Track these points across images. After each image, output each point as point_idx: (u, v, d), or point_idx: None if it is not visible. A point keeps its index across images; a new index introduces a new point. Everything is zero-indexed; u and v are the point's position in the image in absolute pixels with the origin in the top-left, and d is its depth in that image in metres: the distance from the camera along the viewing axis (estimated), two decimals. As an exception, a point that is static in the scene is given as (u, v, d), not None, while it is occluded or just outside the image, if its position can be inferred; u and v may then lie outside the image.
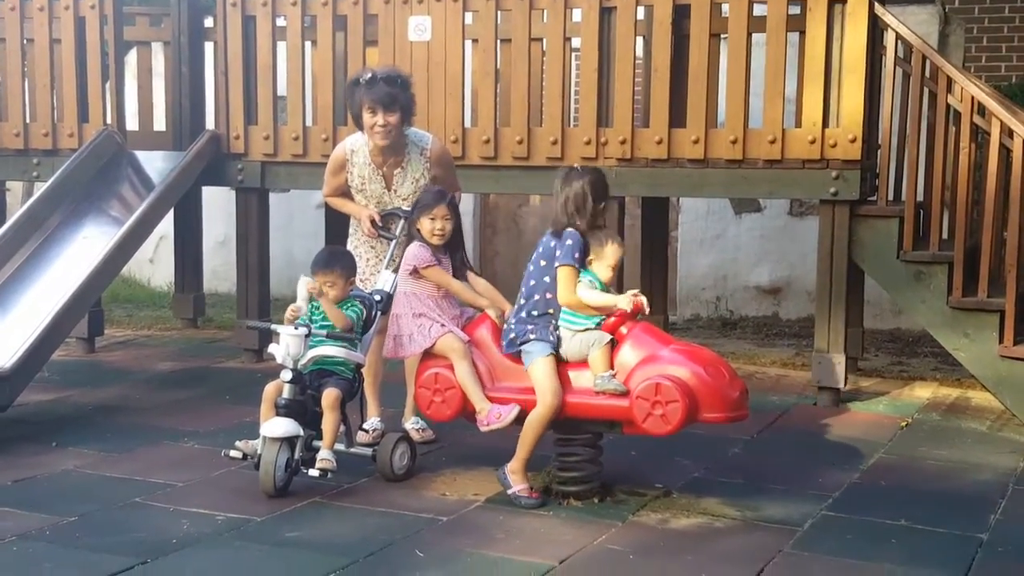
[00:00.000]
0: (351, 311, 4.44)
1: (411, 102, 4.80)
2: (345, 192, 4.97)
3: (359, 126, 4.81)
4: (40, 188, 6.39)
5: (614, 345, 4.13)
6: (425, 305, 4.42)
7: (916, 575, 3.59)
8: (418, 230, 4.51)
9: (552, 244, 4.19)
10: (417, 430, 4.95)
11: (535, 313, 4.19)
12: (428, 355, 4.35)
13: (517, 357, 4.21)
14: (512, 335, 4.21)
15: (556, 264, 4.14)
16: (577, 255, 4.12)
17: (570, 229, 4.16)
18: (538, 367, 4.11)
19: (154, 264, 9.53)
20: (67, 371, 6.35)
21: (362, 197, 4.92)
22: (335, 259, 4.49)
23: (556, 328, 4.18)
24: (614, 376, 4.06)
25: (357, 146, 4.89)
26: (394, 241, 4.80)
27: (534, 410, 4.12)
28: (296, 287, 4.46)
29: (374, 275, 4.85)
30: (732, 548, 3.79)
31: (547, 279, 4.19)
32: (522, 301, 4.24)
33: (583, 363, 4.16)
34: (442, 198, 4.52)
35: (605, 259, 4.16)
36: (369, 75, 4.71)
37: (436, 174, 4.90)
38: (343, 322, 4.36)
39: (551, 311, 4.19)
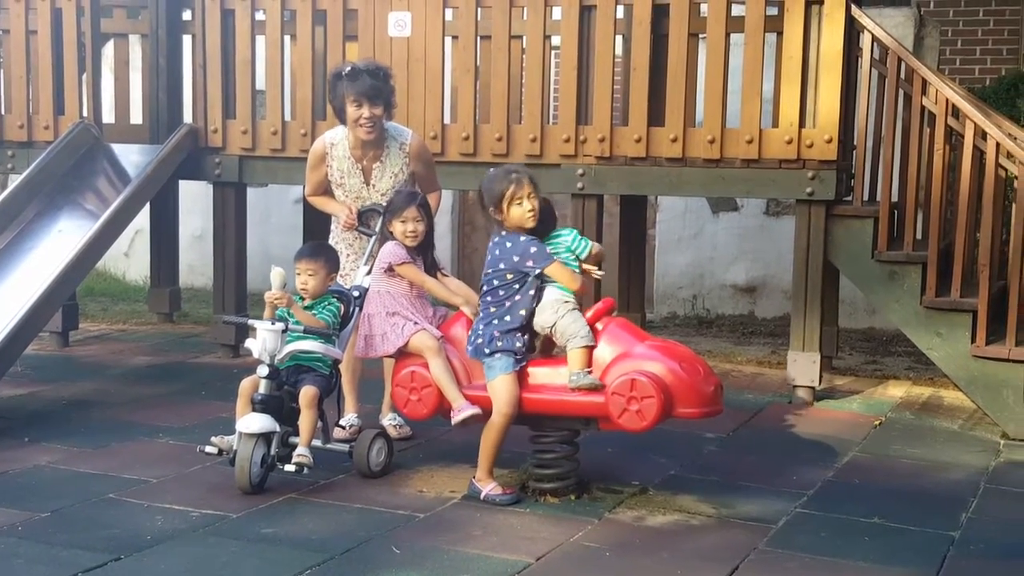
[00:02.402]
0: (327, 311, 4.44)
1: (392, 95, 4.83)
2: (327, 189, 4.96)
3: (341, 120, 4.81)
4: (15, 180, 6.34)
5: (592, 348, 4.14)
6: (399, 304, 4.42)
7: (889, 572, 3.62)
8: (390, 232, 4.52)
9: (515, 259, 4.14)
10: (394, 426, 4.95)
11: (507, 319, 4.16)
12: (404, 353, 4.35)
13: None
14: (479, 340, 4.18)
15: (539, 269, 4.13)
16: (549, 250, 4.16)
17: (523, 238, 4.15)
18: (499, 380, 4.10)
19: (129, 258, 9.47)
20: (41, 365, 6.30)
21: (341, 192, 4.92)
22: (321, 251, 4.53)
23: (524, 334, 4.18)
24: (589, 373, 4.08)
25: (337, 139, 4.89)
26: (373, 237, 4.80)
27: (491, 419, 4.12)
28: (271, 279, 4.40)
29: (353, 271, 4.84)
30: (708, 545, 3.82)
31: (517, 286, 4.16)
32: (492, 309, 4.19)
33: (560, 360, 4.18)
34: (412, 200, 4.53)
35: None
36: (350, 68, 4.73)
37: (416, 170, 4.91)
38: (317, 325, 4.35)
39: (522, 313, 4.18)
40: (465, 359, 4.29)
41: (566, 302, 4.16)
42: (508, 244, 4.17)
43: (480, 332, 4.20)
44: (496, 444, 4.15)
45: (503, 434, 4.15)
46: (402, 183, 4.87)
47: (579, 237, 4.24)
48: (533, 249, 4.13)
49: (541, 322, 4.18)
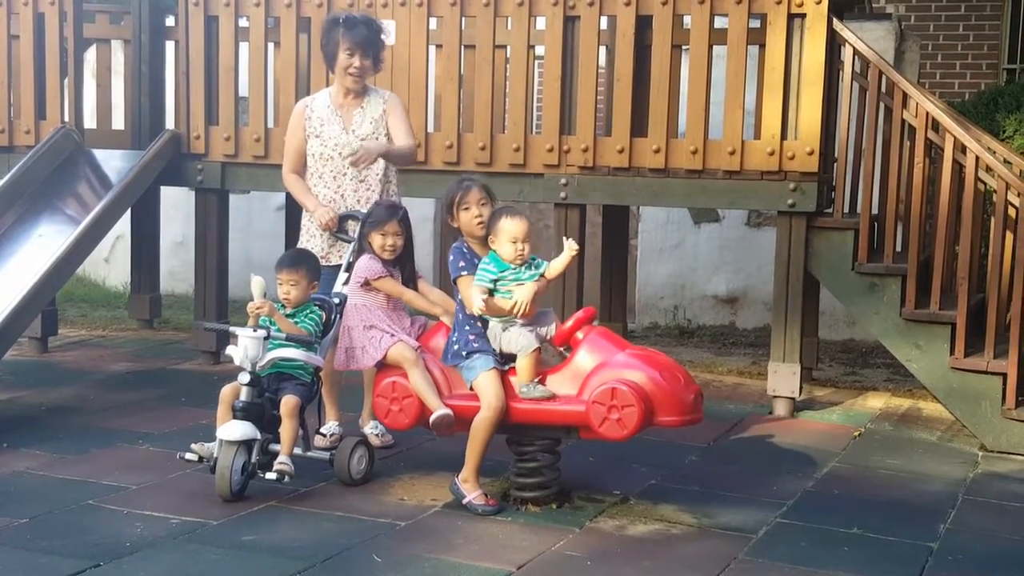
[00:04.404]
0: (309, 319, 4.43)
1: (382, 50, 4.97)
2: (304, 166, 4.96)
3: (329, 66, 4.94)
4: (-5, 185, 6.30)
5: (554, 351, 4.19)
6: (375, 316, 4.42)
7: (867, 582, 3.64)
8: (369, 243, 4.51)
9: (451, 267, 4.25)
10: (376, 435, 4.94)
11: (479, 324, 4.21)
12: (384, 365, 4.35)
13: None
14: (455, 346, 4.22)
15: (453, 278, 4.22)
16: (462, 264, 4.20)
17: (455, 245, 4.26)
18: (482, 377, 4.11)
19: (110, 264, 9.42)
20: (19, 371, 6.25)
21: (318, 143, 4.91)
22: (302, 260, 4.51)
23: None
24: (539, 383, 4.09)
25: (317, 95, 5.03)
26: (351, 245, 4.79)
27: (478, 415, 4.12)
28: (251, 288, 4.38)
29: (332, 249, 4.86)
30: (688, 555, 3.83)
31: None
32: (460, 316, 4.26)
33: (541, 371, 4.18)
34: (393, 213, 4.53)
35: (501, 236, 4.16)
36: (347, 16, 4.87)
37: (393, 119, 4.95)
38: (299, 333, 4.34)
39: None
40: (446, 369, 4.29)
41: (501, 325, 4.17)
42: (451, 255, 4.25)
43: (454, 339, 4.24)
44: (484, 442, 4.14)
45: (491, 431, 4.13)
46: (383, 129, 4.92)
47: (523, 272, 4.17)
48: (451, 258, 4.24)
49: (496, 348, 4.22)
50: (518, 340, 4.12)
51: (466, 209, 4.23)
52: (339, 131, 4.90)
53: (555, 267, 4.23)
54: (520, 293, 4.12)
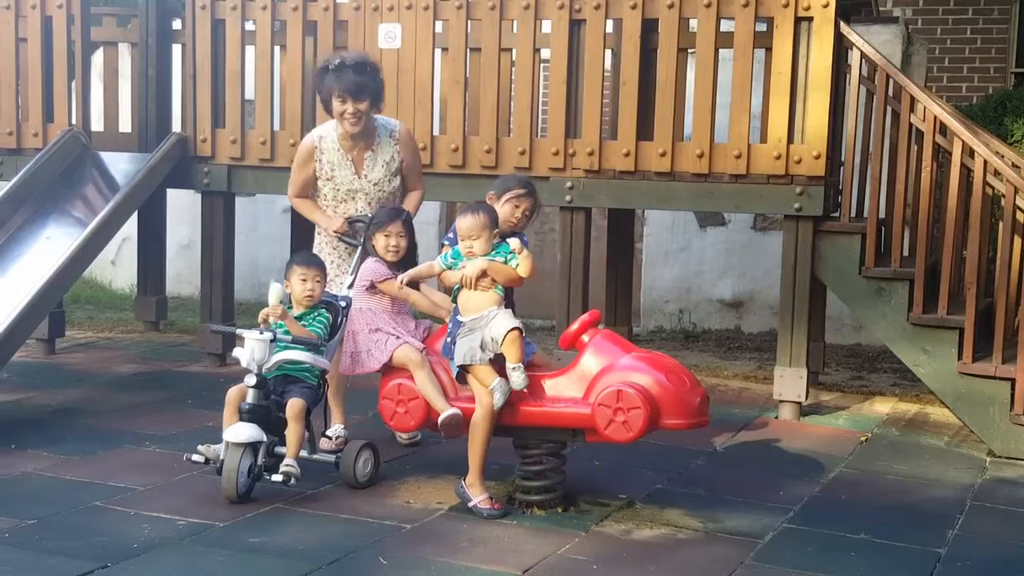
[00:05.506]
0: (317, 322, 4.44)
1: (380, 88, 4.85)
2: (312, 192, 4.96)
3: (328, 112, 4.86)
4: (3, 188, 6.32)
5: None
6: (380, 320, 4.44)
7: (874, 587, 3.64)
8: (372, 246, 4.53)
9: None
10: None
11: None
12: (390, 368, 4.35)
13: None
14: (447, 339, 4.25)
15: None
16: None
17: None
18: (474, 372, 4.12)
19: (116, 266, 9.44)
20: (27, 373, 6.27)
21: (330, 186, 4.91)
22: (316, 259, 4.58)
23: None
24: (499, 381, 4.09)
25: (326, 132, 4.93)
26: (358, 249, 4.80)
27: (474, 414, 4.12)
28: (267, 293, 4.35)
29: (340, 275, 4.86)
30: (694, 559, 3.82)
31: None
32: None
33: (544, 373, 4.18)
34: (397, 215, 4.58)
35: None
36: (338, 61, 4.76)
37: (405, 158, 4.95)
38: (308, 336, 4.35)
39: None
40: (451, 371, 4.29)
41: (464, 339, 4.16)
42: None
43: (448, 332, 4.27)
44: (482, 441, 4.13)
45: (487, 428, 4.12)
46: (394, 171, 4.91)
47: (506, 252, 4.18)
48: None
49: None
50: (465, 355, 4.11)
51: (516, 205, 4.29)
52: (351, 176, 4.88)
53: (522, 264, 4.13)
54: (469, 265, 4.13)
